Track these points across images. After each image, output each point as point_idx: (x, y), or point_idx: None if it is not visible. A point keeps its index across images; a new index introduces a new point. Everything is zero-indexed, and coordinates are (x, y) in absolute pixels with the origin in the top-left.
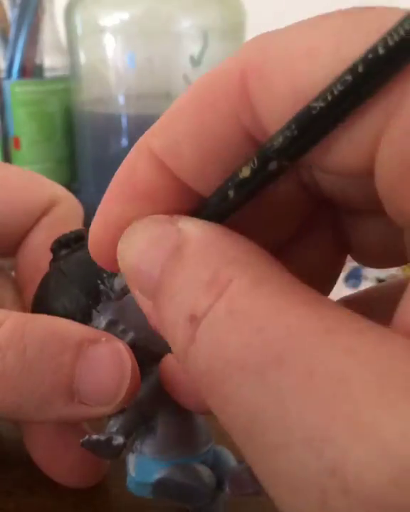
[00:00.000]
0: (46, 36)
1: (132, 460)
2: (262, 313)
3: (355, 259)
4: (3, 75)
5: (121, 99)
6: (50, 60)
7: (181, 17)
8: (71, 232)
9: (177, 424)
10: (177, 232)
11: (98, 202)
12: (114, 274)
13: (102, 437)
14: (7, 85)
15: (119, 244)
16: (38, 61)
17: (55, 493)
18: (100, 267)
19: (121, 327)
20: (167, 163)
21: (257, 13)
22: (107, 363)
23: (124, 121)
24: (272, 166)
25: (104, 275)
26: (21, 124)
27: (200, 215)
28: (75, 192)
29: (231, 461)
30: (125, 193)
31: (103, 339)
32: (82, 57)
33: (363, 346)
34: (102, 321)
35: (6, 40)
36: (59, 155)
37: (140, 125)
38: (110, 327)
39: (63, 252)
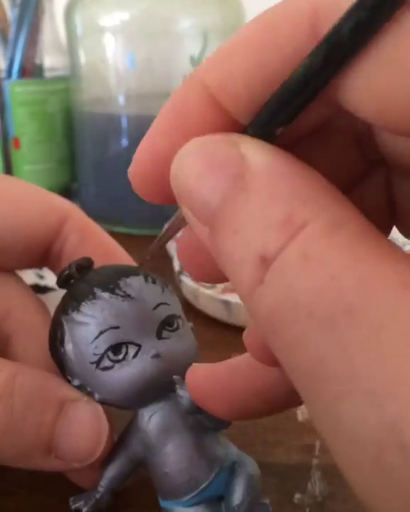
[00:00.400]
0: (46, 36)
1: None
2: (337, 261)
3: (401, 231)
4: (3, 75)
5: (121, 100)
6: (50, 60)
7: (181, 17)
8: (72, 265)
9: (159, 471)
10: (240, 158)
11: (98, 202)
12: (64, 340)
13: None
14: (7, 85)
15: (173, 165)
16: (38, 61)
17: (55, 493)
18: (60, 329)
19: (88, 389)
20: (220, 100)
21: (257, 13)
22: (85, 423)
23: (124, 121)
24: (338, 54)
25: (63, 341)
26: (21, 124)
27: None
28: (75, 192)
29: (238, 492)
30: (175, 126)
31: (85, 399)
32: (82, 57)
33: None
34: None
35: (6, 40)
36: (59, 155)
37: (140, 125)
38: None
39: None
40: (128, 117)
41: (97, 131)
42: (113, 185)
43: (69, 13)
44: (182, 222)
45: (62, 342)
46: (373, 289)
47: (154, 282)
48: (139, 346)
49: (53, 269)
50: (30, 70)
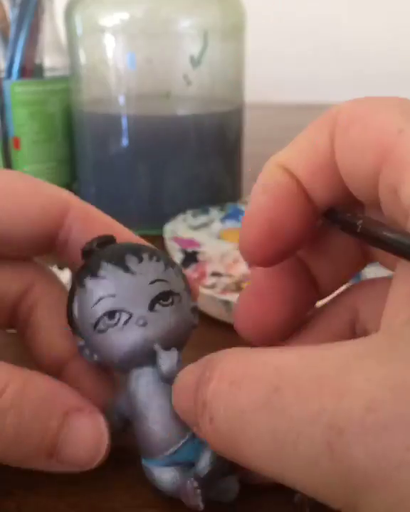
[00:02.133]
0: (46, 36)
1: None
2: (255, 370)
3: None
4: (3, 75)
5: (121, 100)
6: (50, 60)
7: (181, 17)
8: (94, 240)
9: (138, 429)
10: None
11: (98, 202)
12: (73, 301)
13: None
14: (7, 85)
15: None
16: (38, 61)
17: (55, 493)
18: (72, 294)
19: (88, 350)
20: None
21: (257, 13)
22: (86, 434)
23: (124, 121)
24: None
25: (72, 305)
26: (21, 124)
27: None
28: (75, 192)
29: (204, 460)
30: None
31: (87, 410)
32: (82, 57)
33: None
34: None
35: (6, 40)
36: (59, 155)
37: (140, 125)
38: (80, 350)
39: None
40: (128, 117)
41: (97, 131)
42: (113, 185)
43: (69, 13)
44: None
45: (72, 306)
46: (286, 371)
47: (158, 260)
48: (130, 315)
49: (59, 257)
50: (30, 70)
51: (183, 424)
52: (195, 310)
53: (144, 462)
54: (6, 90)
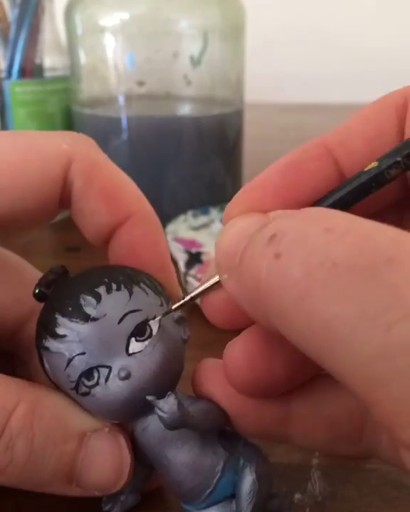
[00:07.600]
0: (46, 36)
1: None
2: (365, 228)
3: None
4: (3, 75)
5: (121, 100)
6: (50, 60)
7: (181, 17)
8: (41, 281)
9: (166, 480)
10: (266, 218)
11: None
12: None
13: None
14: (7, 85)
15: (218, 238)
16: (38, 61)
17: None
18: (39, 355)
19: None
20: (336, 152)
21: (257, 13)
22: (107, 454)
23: (124, 121)
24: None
25: (44, 366)
26: (21, 124)
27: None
28: None
29: (244, 497)
30: (288, 179)
31: (106, 429)
32: (82, 57)
33: None
34: None
35: (6, 40)
36: None
37: (140, 125)
38: None
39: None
40: (128, 117)
41: (96, 131)
42: None
43: (69, 13)
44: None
45: (44, 367)
46: (403, 244)
47: (119, 289)
48: (109, 368)
49: (72, 215)
50: (30, 70)
51: (208, 465)
52: (181, 321)
53: (185, 507)
54: (6, 90)
